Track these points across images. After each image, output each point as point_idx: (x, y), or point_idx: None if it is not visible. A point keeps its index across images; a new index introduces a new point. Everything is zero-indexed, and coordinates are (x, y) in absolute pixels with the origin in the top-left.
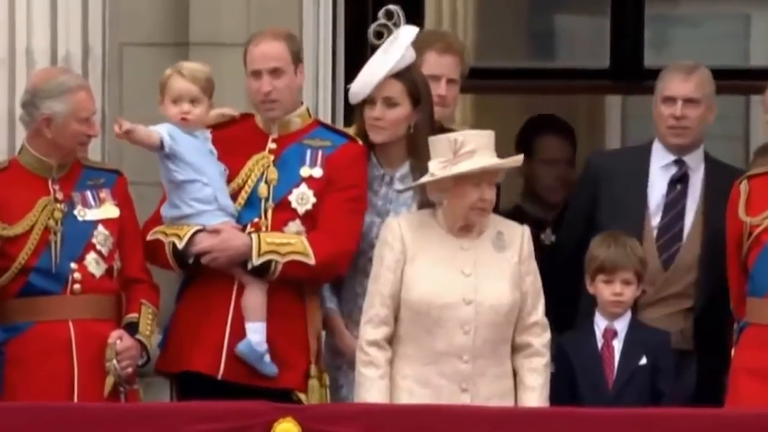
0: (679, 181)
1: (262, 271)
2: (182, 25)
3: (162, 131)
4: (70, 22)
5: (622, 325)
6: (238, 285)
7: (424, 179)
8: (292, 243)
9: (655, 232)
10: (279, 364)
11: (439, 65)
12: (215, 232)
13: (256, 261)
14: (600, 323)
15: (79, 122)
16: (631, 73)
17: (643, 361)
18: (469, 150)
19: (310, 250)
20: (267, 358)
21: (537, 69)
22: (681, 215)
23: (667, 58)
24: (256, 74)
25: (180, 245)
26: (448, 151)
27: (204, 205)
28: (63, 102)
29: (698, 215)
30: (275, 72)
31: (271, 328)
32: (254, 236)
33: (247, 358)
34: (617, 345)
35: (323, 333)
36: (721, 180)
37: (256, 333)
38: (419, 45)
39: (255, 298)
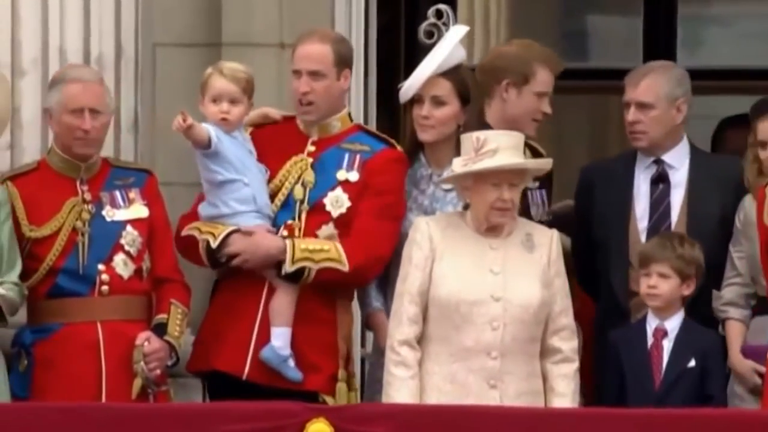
0: (660, 181)
1: (295, 277)
2: (215, 26)
3: (210, 129)
4: (103, 23)
5: (673, 325)
6: (268, 287)
7: (445, 176)
8: (326, 249)
9: (644, 235)
10: (306, 368)
11: (548, 83)
12: (248, 234)
13: (289, 268)
14: (651, 322)
15: (70, 115)
16: None
17: (692, 363)
18: (490, 149)
19: (344, 257)
20: (291, 362)
21: (569, 69)
22: (667, 214)
23: (700, 58)
24: (297, 74)
25: (214, 244)
26: (471, 149)
27: (242, 206)
28: (57, 92)
29: (683, 210)
30: (314, 74)
31: (300, 332)
32: (288, 242)
33: (270, 363)
34: (667, 345)
35: (360, 333)
36: (705, 171)
37: (279, 338)
38: (529, 57)
39: (283, 302)
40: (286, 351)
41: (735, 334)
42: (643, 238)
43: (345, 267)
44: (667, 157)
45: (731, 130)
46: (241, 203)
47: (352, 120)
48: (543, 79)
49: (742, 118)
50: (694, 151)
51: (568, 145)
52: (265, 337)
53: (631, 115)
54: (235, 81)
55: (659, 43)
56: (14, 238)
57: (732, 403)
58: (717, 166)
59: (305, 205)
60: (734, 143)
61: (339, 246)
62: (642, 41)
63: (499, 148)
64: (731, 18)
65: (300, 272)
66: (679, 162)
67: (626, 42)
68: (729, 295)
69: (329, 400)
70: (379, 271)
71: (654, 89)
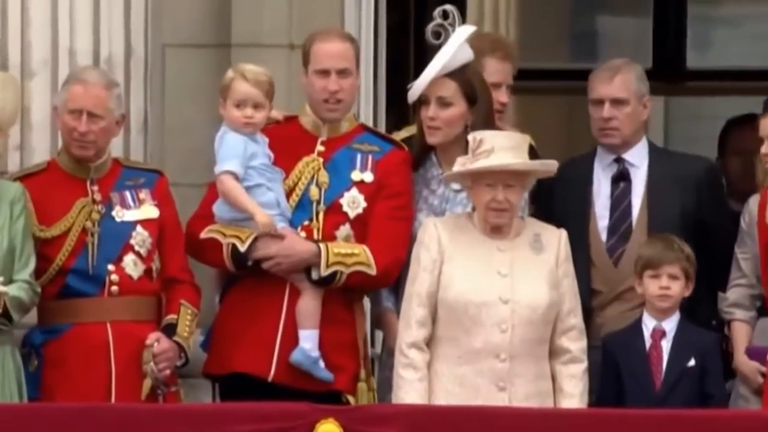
0: (621, 179)
1: (326, 281)
2: (224, 27)
3: (230, 181)
4: (113, 23)
5: (670, 326)
6: (290, 288)
7: (444, 174)
8: (356, 254)
9: (604, 233)
10: (330, 368)
11: (499, 73)
12: (278, 237)
13: (324, 272)
14: (648, 323)
15: (69, 115)
16: (674, 73)
17: (692, 362)
18: (485, 149)
19: (372, 261)
20: (321, 363)
21: (579, 70)
22: (628, 212)
23: (709, 59)
24: (323, 73)
25: (242, 248)
26: (470, 149)
27: (267, 210)
28: (63, 92)
29: (643, 209)
30: (343, 72)
31: (322, 334)
32: (322, 247)
33: (302, 366)
34: (666, 345)
35: (370, 333)
36: (664, 169)
37: (308, 340)
38: (477, 49)
39: (310, 305)
40: (316, 352)
41: (740, 335)
42: (603, 236)
43: (373, 271)
44: (628, 156)
45: (737, 130)
46: (266, 207)
47: (356, 119)
48: (492, 69)
49: (748, 118)
50: (653, 150)
51: (577, 146)
52: (289, 339)
53: (606, 111)
54: (258, 85)
55: (669, 44)
56: (29, 236)
57: (736, 404)
58: (676, 164)
59: (322, 206)
60: (739, 143)
61: (367, 250)
62: (651, 42)
63: (494, 149)
64: (741, 19)
65: (332, 276)
66: (639, 160)
67: (636, 43)
68: (734, 296)
69: (351, 399)
70: (398, 273)
71: (627, 85)
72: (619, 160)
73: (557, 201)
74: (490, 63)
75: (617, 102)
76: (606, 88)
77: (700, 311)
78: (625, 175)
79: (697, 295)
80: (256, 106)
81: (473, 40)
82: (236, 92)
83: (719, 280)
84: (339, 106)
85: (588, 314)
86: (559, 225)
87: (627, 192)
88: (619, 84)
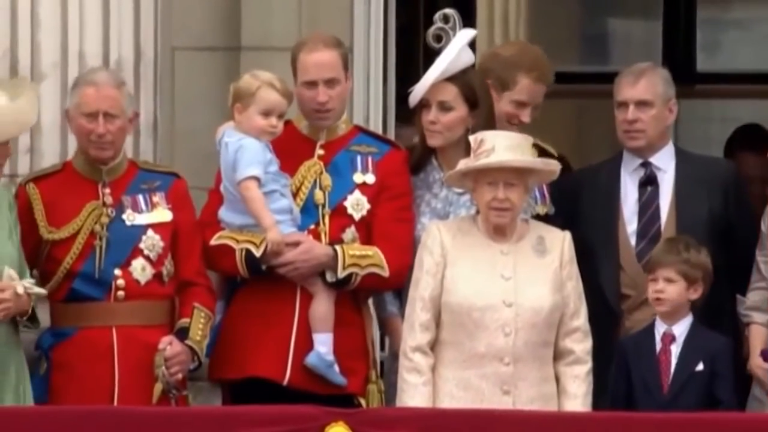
0: (648, 184)
1: (341, 283)
2: (234, 30)
3: (254, 187)
4: (123, 26)
5: (681, 330)
6: (301, 292)
7: (445, 176)
8: (370, 255)
9: (633, 238)
10: (342, 372)
11: (530, 93)
12: (293, 244)
13: (341, 274)
14: (659, 327)
15: (85, 118)
16: (684, 76)
17: (700, 367)
18: (486, 149)
19: (385, 263)
20: (336, 367)
21: (589, 73)
22: (656, 217)
23: (719, 62)
24: (311, 84)
25: (258, 252)
26: (472, 150)
27: (280, 216)
28: (74, 95)
29: (671, 212)
30: (331, 82)
31: (334, 337)
32: (338, 249)
33: (317, 369)
34: (675, 350)
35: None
36: (691, 172)
37: (323, 344)
38: (514, 63)
39: (324, 308)
40: (331, 356)
41: (757, 338)
42: (632, 241)
43: (386, 272)
44: (654, 159)
45: (744, 136)
46: (279, 213)
47: (351, 121)
48: (524, 88)
49: (754, 128)
50: (680, 153)
51: (587, 148)
52: (303, 343)
53: (631, 113)
54: (287, 95)
55: (678, 47)
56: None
57: (751, 407)
58: (703, 167)
59: (327, 209)
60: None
61: (379, 252)
62: (661, 45)
63: (495, 148)
64: (750, 22)
65: (347, 278)
66: (666, 164)
67: (646, 46)
68: (753, 299)
69: (363, 401)
70: (407, 275)
71: (652, 88)
72: (645, 164)
73: (583, 206)
74: (523, 81)
75: (642, 104)
76: (631, 90)
77: (726, 314)
78: (653, 179)
79: (724, 299)
80: (281, 116)
81: (512, 49)
82: (265, 101)
83: (746, 282)
84: (329, 114)
85: (617, 318)
86: (585, 230)
87: (655, 196)
88: (644, 87)
